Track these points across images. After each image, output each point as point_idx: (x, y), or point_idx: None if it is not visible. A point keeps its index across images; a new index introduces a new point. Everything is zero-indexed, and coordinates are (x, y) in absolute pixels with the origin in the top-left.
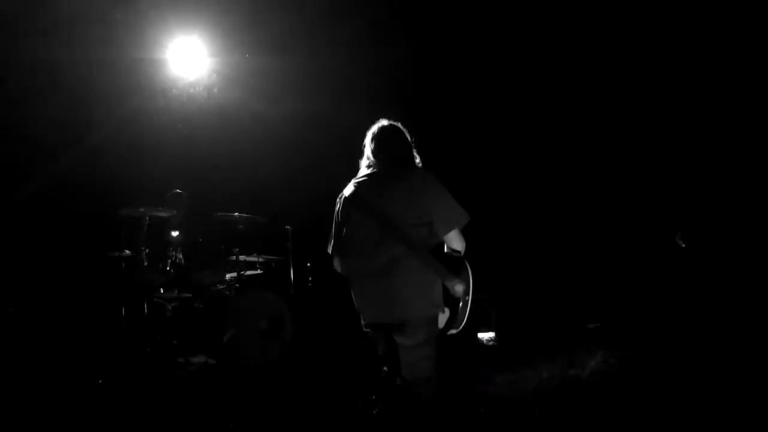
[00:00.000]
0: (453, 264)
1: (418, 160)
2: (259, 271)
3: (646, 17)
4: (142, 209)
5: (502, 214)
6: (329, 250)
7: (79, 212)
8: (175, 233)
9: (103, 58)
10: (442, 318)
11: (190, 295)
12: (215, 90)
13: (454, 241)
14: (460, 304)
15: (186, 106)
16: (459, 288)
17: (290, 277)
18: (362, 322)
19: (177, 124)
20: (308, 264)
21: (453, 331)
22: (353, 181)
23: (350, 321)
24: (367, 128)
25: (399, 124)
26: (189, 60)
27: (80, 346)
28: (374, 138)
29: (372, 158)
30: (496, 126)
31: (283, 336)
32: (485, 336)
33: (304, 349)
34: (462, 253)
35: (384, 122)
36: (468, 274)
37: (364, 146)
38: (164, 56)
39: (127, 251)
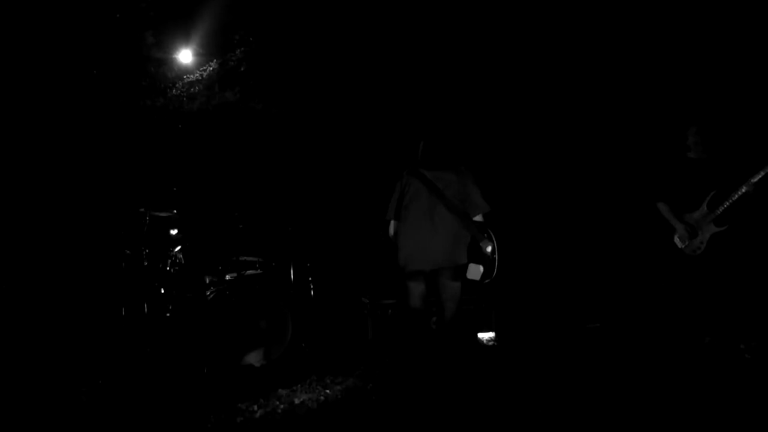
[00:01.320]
0: (482, 229)
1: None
2: (259, 271)
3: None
4: (141, 209)
5: (501, 214)
6: (387, 217)
7: (79, 212)
8: (174, 232)
9: (103, 58)
10: (478, 271)
11: (190, 295)
12: (215, 90)
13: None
14: (491, 260)
15: (186, 106)
16: (488, 247)
17: (290, 277)
18: (408, 269)
19: (177, 124)
20: (308, 264)
21: (487, 281)
22: (412, 168)
23: (350, 321)
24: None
25: (442, 134)
26: (189, 60)
27: (80, 346)
28: (427, 143)
29: (426, 155)
30: (494, 126)
31: (283, 336)
32: (485, 336)
33: (303, 350)
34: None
35: (433, 133)
36: (492, 238)
37: (419, 148)
38: (164, 56)
39: (127, 251)
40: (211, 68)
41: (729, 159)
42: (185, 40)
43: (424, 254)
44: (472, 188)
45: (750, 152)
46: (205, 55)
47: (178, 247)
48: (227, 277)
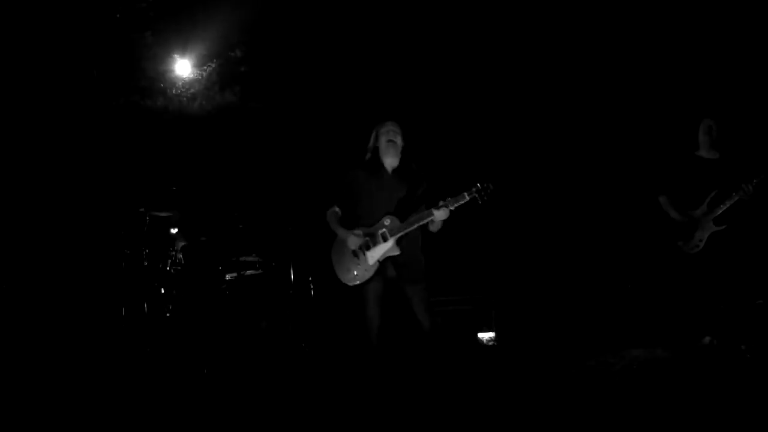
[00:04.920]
0: None
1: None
2: (259, 271)
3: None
4: (141, 209)
5: (501, 214)
6: None
7: (79, 212)
8: (174, 232)
9: (103, 58)
10: None
11: (190, 295)
12: (215, 90)
13: None
14: None
15: (186, 106)
16: None
17: (290, 277)
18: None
19: (177, 124)
20: (308, 264)
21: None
22: None
23: (350, 322)
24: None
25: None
26: (189, 60)
27: (80, 345)
28: None
29: None
30: (500, 123)
31: (283, 336)
32: (485, 336)
33: (303, 351)
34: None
35: None
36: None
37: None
38: (164, 56)
39: (127, 251)
40: (211, 68)
41: (736, 160)
42: (185, 40)
43: None
44: None
45: (759, 154)
46: (205, 55)
47: (179, 247)
48: (227, 277)
